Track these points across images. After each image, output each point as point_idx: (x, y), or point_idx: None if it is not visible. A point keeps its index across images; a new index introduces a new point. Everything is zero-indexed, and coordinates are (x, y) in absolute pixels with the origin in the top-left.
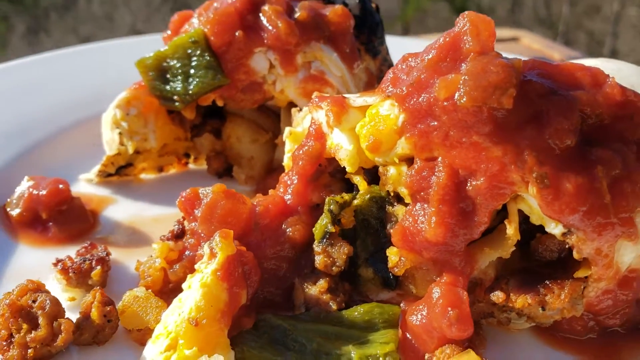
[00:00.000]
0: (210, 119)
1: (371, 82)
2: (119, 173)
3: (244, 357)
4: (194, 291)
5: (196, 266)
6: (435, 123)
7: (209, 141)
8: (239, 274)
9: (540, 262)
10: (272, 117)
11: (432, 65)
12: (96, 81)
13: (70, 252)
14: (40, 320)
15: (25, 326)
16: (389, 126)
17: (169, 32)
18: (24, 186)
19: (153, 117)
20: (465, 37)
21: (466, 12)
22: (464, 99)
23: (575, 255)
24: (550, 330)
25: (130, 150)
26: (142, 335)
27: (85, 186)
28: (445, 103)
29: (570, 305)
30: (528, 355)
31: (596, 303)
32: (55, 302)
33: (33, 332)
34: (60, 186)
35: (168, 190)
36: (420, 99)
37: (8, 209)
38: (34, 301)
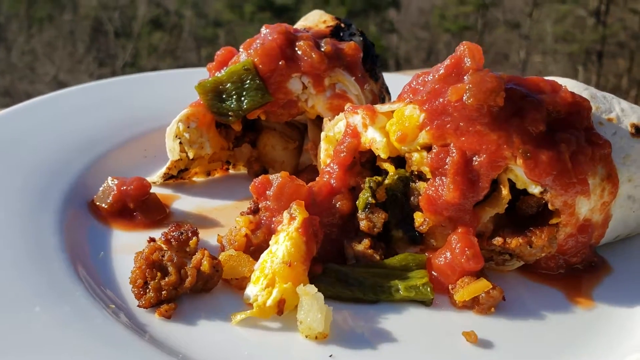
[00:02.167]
0: (248, 132)
1: (374, 101)
2: (178, 176)
3: (320, 292)
4: (283, 243)
5: (279, 228)
6: (449, 118)
7: (247, 150)
8: (310, 232)
9: (523, 217)
10: (297, 130)
11: (442, 79)
12: (138, 106)
13: (156, 234)
14: (170, 269)
15: (158, 274)
16: (412, 123)
17: (213, 63)
18: (111, 184)
19: (205, 130)
20: (465, 59)
21: (464, 42)
22: (471, 100)
23: (550, 207)
24: (531, 268)
25: (191, 156)
26: (240, 282)
27: None
28: (456, 104)
29: (548, 243)
30: (516, 288)
31: (564, 244)
32: (179, 256)
33: (165, 278)
34: (144, 182)
35: (218, 188)
36: (436, 102)
37: (97, 203)
38: (162, 256)
